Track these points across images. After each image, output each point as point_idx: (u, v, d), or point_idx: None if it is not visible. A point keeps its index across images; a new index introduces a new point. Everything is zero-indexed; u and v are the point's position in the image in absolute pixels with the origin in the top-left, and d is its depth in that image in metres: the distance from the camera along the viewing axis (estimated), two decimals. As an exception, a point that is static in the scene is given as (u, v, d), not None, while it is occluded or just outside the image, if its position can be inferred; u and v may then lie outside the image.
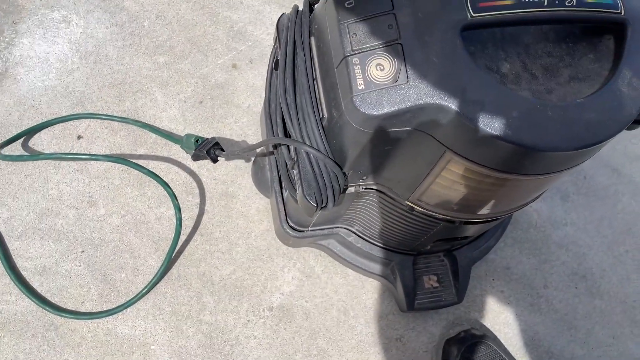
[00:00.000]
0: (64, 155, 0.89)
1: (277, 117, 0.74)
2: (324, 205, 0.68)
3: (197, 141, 0.86)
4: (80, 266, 0.89)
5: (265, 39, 1.10)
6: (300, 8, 0.72)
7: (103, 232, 0.92)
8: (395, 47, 0.56)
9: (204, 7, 1.10)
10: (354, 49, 0.57)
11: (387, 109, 0.56)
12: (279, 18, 0.73)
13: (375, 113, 0.56)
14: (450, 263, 0.93)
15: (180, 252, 0.93)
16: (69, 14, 1.05)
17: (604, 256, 1.06)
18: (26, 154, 0.92)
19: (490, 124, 0.54)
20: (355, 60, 0.57)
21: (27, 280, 0.87)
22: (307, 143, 0.64)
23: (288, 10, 1.09)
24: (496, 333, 0.97)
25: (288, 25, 0.68)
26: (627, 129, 0.65)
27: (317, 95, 0.65)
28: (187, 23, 1.08)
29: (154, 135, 0.98)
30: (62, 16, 1.05)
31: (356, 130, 0.59)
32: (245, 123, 1.03)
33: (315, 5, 0.69)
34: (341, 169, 0.66)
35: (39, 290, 0.87)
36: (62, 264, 0.89)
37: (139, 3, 1.08)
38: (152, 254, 0.92)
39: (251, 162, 0.98)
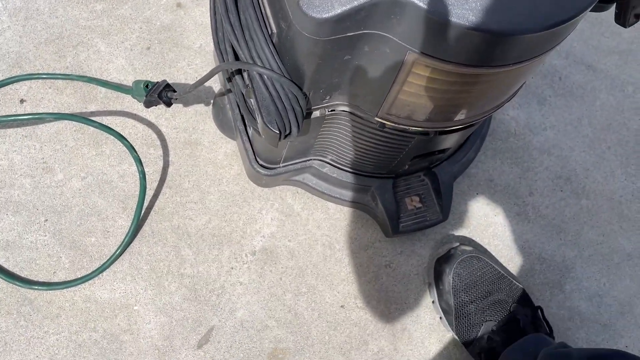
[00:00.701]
0: (4, 119, 0.82)
1: (226, 45, 0.68)
2: (287, 132, 0.63)
3: (146, 86, 0.80)
4: (45, 236, 0.84)
5: (208, -29, 1.02)
6: None
7: (64, 198, 0.86)
8: (338, -62, 0.50)
9: (137, -56, 1.01)
10: (293, -53, 0.51)
11: (337, 9, 0.50)
12: None
13: (326, 16, 0.50)
14: (431, 181, 0.90)
15: (150, 207, 0.88)
16: (-12, -31, 0.96)
17: (586, 156, 1.04)
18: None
19: (451, 13, 0.49)
20: (297, -40, 0.51)
21: (-8, 258, 0.83)
22: (259, 64, 0.58)
23: None
24: (486, 246, 0.95)
25: (221, -62, 0.62)
26: (596, 11, 0.60)
27: (263, 10, 0.59)
28: (121, -36, 0.99)
29: (103, 90, 0.92)
30: (-18, -28, 0.96)
31: (308, 39, 0.54)
32: (199, 65, 0.96)
33: None
34: (300, 88, 0.61)
35: (5, 266, 0.82)
36: (25, 236, 0.84)
37: (65, -52, 0.99)
38: (120, 214, 0.87)
39: (211, 105, 0.92)
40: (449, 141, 0.78)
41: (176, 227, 0.88)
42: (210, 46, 0.97)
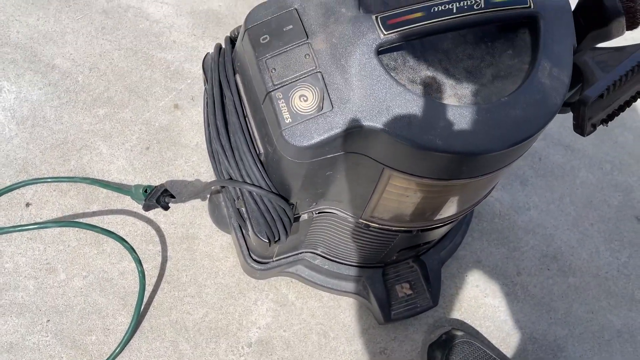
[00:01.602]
0: (11, 229, 0.86)
1: (219, 156, 0.73)
2: (276, 239, 0.68)
3: (145, 191, 0.85)
4: (47, 336, 0.87)
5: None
6: (224, 46, 0.71)
7: (67, 297, 0.90)
8: (315, 76, 0.56)
9: (137, 52, 1.09)
10: (275, 83, 0.57)
11: (316, 139, 0.56)
12: (204, 59, 0.73)
13: (306, 144, 0.56)
14: (420, 268, 0.93)
15: (149, 303, 0.91)
16: (-1, 82, 1.03)
17: (570, 233, 1.07)
18: (-27, 232, 0.90)
19: (419, 138, 0.54)
20: (279, 94, 0.57)
21: (-5, 360, 0.85)
22: (248, 181, 0.63)
23: (225, 36, 1.08)
24: (477, 328, 0.97)
25: (212, 66, 0.68)
26: (561, 113, 0.66)
27: (251, 132, 0.65)
28: (122, 71, 1.07)
29: (105, 190, 0.97)
30: (-7, 84, 1.03)
31: (292, 162, 0.59)
32: (196, 161, 1.02)
33: (236, 42, 0.69)
34: (287, 201, 0.66)
35: (8, 369, 0.85)
36: (28, 337, 0.86)
37: (70, 59, 1.06)
38: (120, 311, 0.90)
39: (207, 201, 0.97)
40: (433, 235, 0.82)
41: (174, 321, 0.91)
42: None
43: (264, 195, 0.63)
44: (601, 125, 0.64)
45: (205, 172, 1.01)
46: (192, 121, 1.05)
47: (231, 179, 0.65)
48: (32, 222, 0.92)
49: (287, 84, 0.57)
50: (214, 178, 1.01)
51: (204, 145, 1.03)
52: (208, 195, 0.97)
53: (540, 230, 1.07)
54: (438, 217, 0.72)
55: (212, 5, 1.17)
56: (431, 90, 0.58)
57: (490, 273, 1.02)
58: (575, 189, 1.11)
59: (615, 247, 1.07)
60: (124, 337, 0.87)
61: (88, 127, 1.01)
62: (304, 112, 0.56)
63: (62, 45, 1.07)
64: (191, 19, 1.15)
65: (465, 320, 0.98)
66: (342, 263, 0.90)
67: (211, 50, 1.11)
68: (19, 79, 1.04)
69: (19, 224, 0.92)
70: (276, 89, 0.57)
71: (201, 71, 1.09)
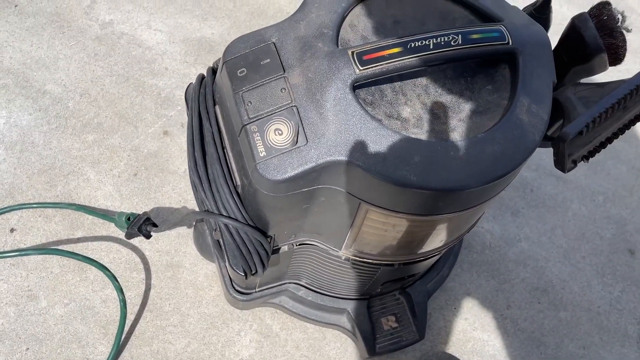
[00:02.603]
0: (-9, 255, 0.86)
1: (196, 187, 0.72)
2: (253, 272, 0.67)
3: (128, 219, 0.85)
4: (26, 365, 0.86)
5: (194, 101, 1.09)
6: (206, 76, 0.71)
7: (47, 325, 0.88)
8: (291, 110, 0.56)
9: (129, 79, 1.10)
10: (251, 117, 0.57)
11: (290, 173, 0.55)
12: (187, 88, 0.73)
13: (280, 178, 0.55)
14: (406, 300, 0.92)
15: (131, 332, 0.90)
16: (-10, 106, 1.04)
17: (562, 266, 1.06)
18: (-44, 257, 0.89)
19: (394, 173, 0.54)
20: (254, 127, 0.56)
21: (-28, 389, 0.84)
22: (224, 214, 0.63)
23: (207, 67, 1.09)
24: (466, 363, 0.95)
25: (192, 96, 0.68)
26: (542, 147, 0.65)
27: (229, 163, 0.64)
28: (113, 97, 1.07)
29: (90, 217, 0.96)
30: (-17, 110, 1.03)
31: (267, 195, 0.58)
32: (183, 188, 1.01)
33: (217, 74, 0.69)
34: (264, 233, 0.65)
35: (-16, 399, 0.83)
36: (6, 366, 0.85)
37: (62, 85, 1.07)
38: (101, 340, 0.89)
39: (192, 229, 0.96)
40: (416, 269, 0.81)
41: (155, 351, 0.89)
42: (194, 171, 1.03)
43: (240, 228, 0.62)
44: (582, 161, 0.63)
45: (192, 200, 1.00)
46: (181, 148, 1.05)
47: (208, 210, 0.64)
48: (16, 248, 0.92)
49: (262, 118, 0.56)
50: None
51: (192, 172, 1.03)
52: (194, 223, 0.96)
53: (531, 262, 1.06)
54: (420, 250, 0.71)
55: (205, 33, 1.18)
56: (408, 125, 0.57)
57: (480, 306, 1.01)
58: (567, 221, 1.10)
59: (607, 280, 1.05)
60: (103, 367, 0.85)
61: (77, 153, 1.01)
62: (279, 146, 0.56)
63: (54, 71, 1.08)
64: (184, 46, 1.15)
65: (453, 353, 0.96)
66: (326, 294, 0.88)
67: (202, 77, 1.12)
68: (9, 104, 1.04)
69: (3, 250, 0.92)
70: (251, 122, 0.57)
71: (191, 98, 1.10)
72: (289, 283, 0.88)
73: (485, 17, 0.63)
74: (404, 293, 0.92)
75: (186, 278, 0.95)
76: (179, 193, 1.01)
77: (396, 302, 0.92)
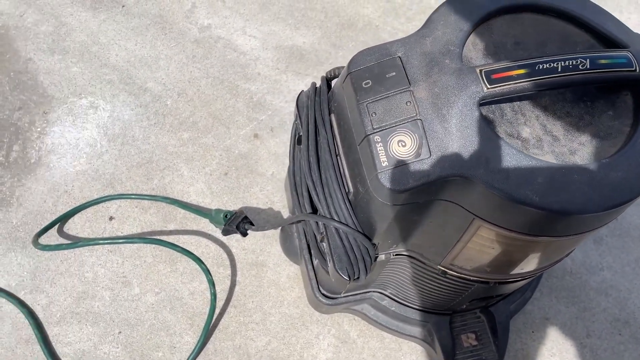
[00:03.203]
0: (100, 241, 0.91)
1: (303, 190, 0.75)
2: (356, 277, 0.68)
3: (226, 216, 0.88)
4: (117, 348, 0.90)
5: (284, 107, 1.13)
6: (318, 84, 0.74)
7: (138, 312, 0.93)
8: (415, 123, 0.58)
9: (223, 81, 1.14)
10: (375, 127, 0.58)
11: (412, 184, 0.57)
12: (298, 95, 0.76)
13: (401, 188, 0.57)
14: (487, 319, 0.92)
15: (215, 325, 0.93)
16: (95, 100, 1.10)
17: (645, 299, 1.03)
18: (64, 242, 0.95)
19: (516, 192, 0.55)
20: (377, 138, 0.58)
21: (67, 365, 0.88)
22: (335, 218, 0.65)
23: (304, 79, 1.12)
24: (542, 388, 0.94)
25: (307, 104, 0.71)
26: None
27: (342, 170, 0.66)
28: (207, 98, 1.12)
29: (182, 211, 1.00)
30: (90, 102, 1.09)
31: (383, 204, 0.60)
32: (270, 191, 1.04)
33: (333, 82, 0.72)
34: (371, 240, 0.67)
35: (78, 376, 0.88)
36: (100, 346, 0.90)
37: (162, 83, 1.12)
38: (187, 330, 0.92)
39: (279, 230, 0.99)
40: (508, 288, 0.81)
41: (237, 346, 0.92)
42: (281, 174, 1.06)
43: (350, 234, 0.64)
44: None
45: (278, 202, 1.03)
46: (270, 151, 1.08)
47: (315, 213, 0.67)
48: (114, 235, 0.97)
49: (386, 129, 0.58)
50: (287, 209, 1.03)
51: (280, 176, 1.06)
52: (280, 226, 0.99)
53: (613, 292, 1.03)
54: (518, 271, 0.71)
55: (296, 42, 1.21)
56: (528, 145, 0.58)
57: (558, 332, 0.99)
58: (653, 253, 1.07)
59: (694, 318, 1.02)
60: (189, 357, 0.88)
61: (172, 149, 1.06)
62: (402, 157, 0.57)
63: (156, 70, 1.14)
64: (276, 53, 1.19)
65: (530, 379, 0.95)
66: (409, 306, 0.89)
67: (292, 85, 1.15)
68: (113, 99, 1.10)
69: (102, 236, 0.97)
70: (375, 133, 0.58)
71: (282, 104, 1.13)
72: (374, 292, 0.89)
73: (609, 42, 0.63)
74: (486, 312, 0.91)
75: (270, 277, 0.98)
76: (266, 195, 1.04)
77: (477, 321, 0.92)
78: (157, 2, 1.22)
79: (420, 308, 0.88)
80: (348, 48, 1.21)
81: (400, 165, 0.57)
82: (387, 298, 0.89)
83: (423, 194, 0.58)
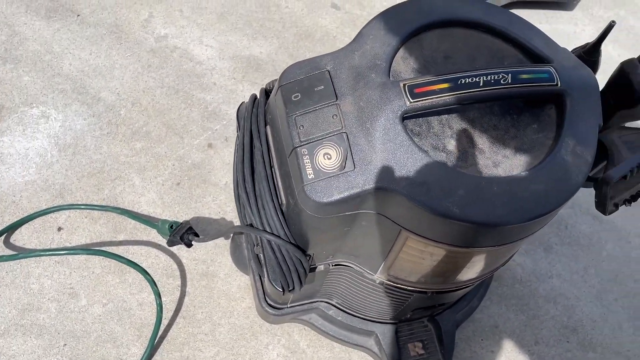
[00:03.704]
0: (42, 253, 0.90)
1: (243, 203, 0.75)
2: (290, 288, 0.69)
3: (171, 227, 0.88)
4: (62, 360, 0.89)
5: (239, 116, 1.13)
6: (259, 97, 0.75)
7: (85, 323, 0.92)
8: (341, 136, 0.59)
9: (178, 91, 1.14)
10: (302, 140, 0.59)
11: (336, 196, 0.57)
12: (239, 107, 0.76)
13: (326, 200, 0.57)
14: (434, 328, 0.92)
15: (163, 337, 0.93)
16: (47, 109, 1.09)
17: (593, 307, 1.05)
18: (5, 254, 0.94)
19: (437, 204, 0.55)
20: (304, 150, 0.59)
21: (10, 378, 0.87)
22: (268, 230, 0.65)
23: (260, 88, 1.12)
24: (490, 396, 0.95)
25: (245, 115, 0.71)
26: (584, 187, 0.66)
27: (276, 182, 0.67)
28: (162, 108, 1.12)
29: (133, 221, 1.00)
30: (41, 112, 1.09)
31: (311, 216, 0.60)
32: (223, 200, 1.04)
33: (270, 95, 0.72)
34: (304, 252, 0.67)
35: (21, 389, 0.87)
36: (44, 359, 0.89)
37: (116, 93, 1.12)
38: (135, 342, 0.92)
39: (230, 240, 0.99)
40: (448, 298, 0.82)
41: (186, 358, 0.92)
42: (235, 184, 1.06)
43: (282, 245, 0.65)
44: (624, 205, 0.64)
45: (231, 212, 1.03)
46: (224, 161, 1.08)
47: (252, 225, 0.67)
48: (62, 246, 0.96)
49: (313, 141, 0.59)
50: (238, 220, 1.03)
51: (232, 185, 1.06)
52: (231, 235, 0.99)
53: (561, 300, 1.05)
54: (453, 280, 0.72)
55: (253, 52, 1.22)
56: (453, 158, 0.59)
57: (507, 340, 1.00)
58: (600, 261, 1.09)
59: (639, 325, 1.04)
60: (135, 368, 0.88)
61: (124, 159, 1.06)
62: (327, 170, 0.58)
63: (110, 79, 1.13)
64: (233, 63, 1.20)
65: (478, 387, 0.96)
66: (356, 316, 0.90)
67: (248, 95, 1.16)
68: (66, 109, 1.09)
69: (49, 247, 0.96)
70: (302, 145, 0.59)
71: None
72: (320, 301, 0.90)
73: (535, 57, 0.64)
74: (433, 321, 0.92)
75: (220, 288, 0.97)
76: (219, 205, 1.04)
77: (424, 329, 0.93)
78: (114, 11, 1.22)
79: (365, 317, 0.89)
80: (305, 58, 1.22)
81: (325, 178, 0.58)
82: (333, 308, 0.90)
83: (349, 206, 0.59)
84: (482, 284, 0.98)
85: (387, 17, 0.65)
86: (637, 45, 1.40)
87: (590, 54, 0.68)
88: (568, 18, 1.41)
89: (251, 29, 1.25)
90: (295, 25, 1.27)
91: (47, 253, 0.90)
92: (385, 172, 0.57)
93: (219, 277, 0.98)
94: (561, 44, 0.68)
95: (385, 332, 0.89)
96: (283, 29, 1.26)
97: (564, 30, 1.38)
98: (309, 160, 0.58)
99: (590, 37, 1.38)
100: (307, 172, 0.58)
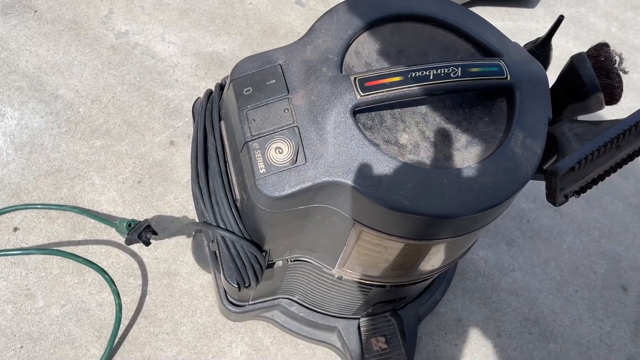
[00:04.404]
0: (-6, 253, 0.88)
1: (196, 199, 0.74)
2: (246, 285, 0.68)
3: (129, 225, 0.87)
4: (18, 363, 0.87)
5: (201, 113, 1.12)
6: (214, 92, 0.74)
7: (42, 325, 0.90)
8: (292, 130, 0.58)
9: (139, 88, 1.12)
10: (254, 134, 0.59)
11: (288, 190, 0.57)
12: (194, 102, 0.75)
13: (278, 194, 0.57)
14: (397, 322, 0.93)
15: (124, 337, 0.91)
16: (2, 107, 1.06)
17: (554, 298, 1.07)
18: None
19: (387, 197, 0.56)
20: (255, 145, 0.58)
21: (-36, 383, 0.85)
22: (222, 226, 0.64)
23: (215, 84, 1.11)
24: (453, 389, 0.96)
25: (199, 111, 0.70)
26: (536, 180, 0.67)
27: (230, 178, 0.66)
28: (123, 105, 1.10)
29: (93, 220, 0.98)
30: (-3, 110, 1.06)
31: (264, 211, 0.60)
32: (185, 198, 1.03)
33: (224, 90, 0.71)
34: (260, 248, 0.67)
35: (-25, 394, 0.84)
36: (-1, 362, 0.87)
37: (74, 90, 1.10)
38: (94, 343, 0.90)
39: (191, 238, 0.98)
40: (407, 291, 0.82)
41: (147, 358, 0.90)
42: (197, 182, 1.05)
43: (236, 241, 0.64)
44: (573, 196, 0.65)
45: (193, 210, 1.02)
46: (186, 158, 1.07)
47: (206, 222, 0.66)
48: (18, 247, 0.94)
49: (264, 136, 0.59)
50: (201, 216, 1.02)
51: (195, 183, 1.05)
52: (193, 233, 0.98)
53: (523, 292, 1.07)
54: (412, 273, 0.73)
55: (217, 48, 1.21)
56: (405, 152, 0.59)
57: (470, 332, 1.01)
58: (561, 254, 1.11)
59: (599, 315, 1.06)
60: (94, 370, 0.86)
61: (84, 158, 1.04)
62: (278, 164, 0.58)
63: (69, 76, 1.11)
64: (195, 60, 1.18)
65: (441, 380, 0.96)
66: (318, 312, 0.89)
67: (211, 91, 1.14)
68: (22, 107, 1.07)
69: (4, 248, 0.94)
70: (254, 140, 0.59)
71: (199, 111, 1.12)
72: (282, 298, 0.89)
73: (486, 51, 0.65)
74: (395, 315, 0.93)
75: (182, 287, 0.96)
76: (181, 202, 1.03)
77: (387, 324, 0.93)
78: (72, 7, 1.19)
79: (327, 313, 0.89)
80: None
81: (277, 172, 0.57)
82: (295, 304, 0.89)
83: (301, 200, 0.59)
84: (444, 277, 0.99)
85: (341, 10, 0.65)
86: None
87: (541, 48, 0.69)
88: (530, 15, 1.43)
89: (214, 26, 1.24)
90: (259, 22, 1.26)
91: (2, 253, 0.88)
92: (336, 166, 0.56)
93: (181, 276, 0.97)
94: (522, 41, 0.69)
95: (347, 328, 0.90)
96: (247, 26, 1.25)
97: (526, 27, 1.40)
98: (260, 155, 0.58)
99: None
100: (259, 166, 0.58)
